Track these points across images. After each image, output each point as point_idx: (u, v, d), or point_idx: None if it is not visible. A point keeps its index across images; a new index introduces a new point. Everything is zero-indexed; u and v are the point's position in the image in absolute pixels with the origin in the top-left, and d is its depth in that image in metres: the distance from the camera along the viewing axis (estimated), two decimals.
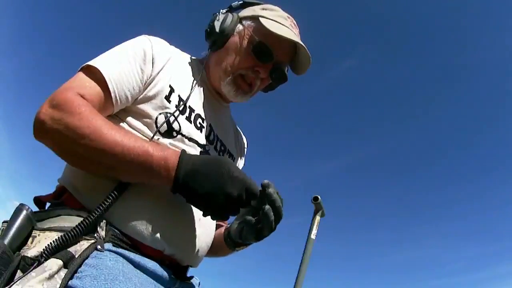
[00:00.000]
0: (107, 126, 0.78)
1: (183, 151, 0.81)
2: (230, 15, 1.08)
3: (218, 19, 1.07)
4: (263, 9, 1.09)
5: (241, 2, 1.13)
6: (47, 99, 0.81)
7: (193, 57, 1.16)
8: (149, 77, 0.94)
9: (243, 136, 1.32)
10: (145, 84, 0.94)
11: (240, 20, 1.08)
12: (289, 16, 1.09)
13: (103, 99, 0.87)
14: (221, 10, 1.10)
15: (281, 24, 1.03)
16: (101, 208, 0.76)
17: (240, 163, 1.30)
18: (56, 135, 0.77)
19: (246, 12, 1.10)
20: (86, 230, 0.73)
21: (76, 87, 0.84)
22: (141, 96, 0.93)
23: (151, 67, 0.95)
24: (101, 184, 0.81)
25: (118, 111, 0.93)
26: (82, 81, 0.86)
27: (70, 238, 0.70)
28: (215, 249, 1.08)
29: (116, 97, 0.88)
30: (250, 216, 0.89)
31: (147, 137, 0.89)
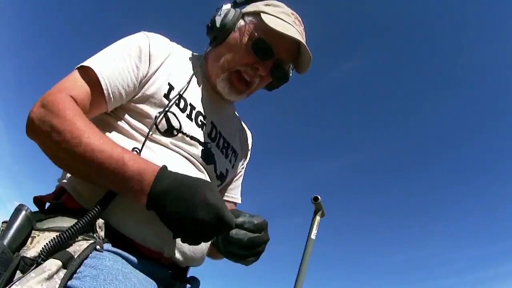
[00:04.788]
0: (88, 133, 0.76)
1: (163, 167, 0.76)
2: (232, 10, 1.06)
3: (220, 14, 1.05)
4: (266, 5, 1.06)
5: None
6: (39, 99, 0.82)
7: (194, 53, 1.14)
8: (146, 75, 0.94)
9: (248, 132, 1.30)
10: (141, 82, 0.93)
11: (243, 15, 1.07)
12: (293, 12, 1.07)
13: (95, 98, 0.87)
14: (224, 5, 1.08)
15: (283, 20, 1.01)
16: (98, 208, 0.75)
17: (245, 160, 1.29)
18: (42, 136, 0.79)
19: (249, 7, 1.08)
20: (82, 230, 0.73)
21: (68, 87, 0.85)
22: (139, 94, 0.93)
23: (147, 65, 0.94)
24: (95, 184, 0.81)
25: (116, 109, 0.93)
26: (75, 81, 0.86)
27: (65, 238, 0.70)
28: (214, 252, 1.07)
29: (109, 94, 0.88)
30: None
31: (145, 135, 0.89)
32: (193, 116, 0.99)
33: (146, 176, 0.74)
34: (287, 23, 1.01)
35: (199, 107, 1.02)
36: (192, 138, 0.97)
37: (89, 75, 0.87)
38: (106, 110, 0.91)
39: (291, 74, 1.13)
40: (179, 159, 0.93)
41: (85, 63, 0.88)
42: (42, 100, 0.81)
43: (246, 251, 0.80)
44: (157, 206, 0.73)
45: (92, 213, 0.74)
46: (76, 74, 0.88)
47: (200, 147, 0.99)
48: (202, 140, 0.99)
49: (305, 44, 1.00)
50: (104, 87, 0.87)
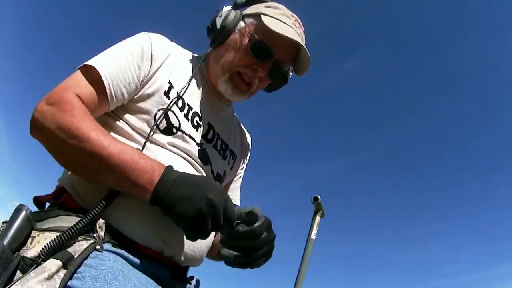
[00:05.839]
0: (96, 130, 0.78)
1: (169, 165, 0.79)
2: (233, 11, 1.06)
3: (221, 16, 1.06)
4: (266, 6, 1.07)
5: None
6: (44, 97, 0.82)
7: (194, 54, 1.15)
8: (147, 75, 0.94)
9: (247, 134, 1.31)
10: (142, 81, 0.94)
11: (243, 17, 1.07)
12: (293, 14, 1.07)
13: (98, 97, 0.87)
14: (225, 7, 1.09)
15: (283, 22, 1.01)
16: (98, 208, 0.75)
17: (244, 161, 1.29)
18: (48, 133, 0.78)
19: (250, 9, 1.09)
20: (83, 230, 0.73)
21: (72, 86, 0.85)
22: (140, 94, 0.93)
23: (149, 65, 0.95)
24: (97, 182, 0.81)
25: (117, 109, 0.93)
26: (78, 80, 0.87)
27: (66, 238, 0.70)
28: (215, 252, 1.07)
29: (111, 93, 0.88)
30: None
31: (145, 136, 0.89)
32: (189, 117, 1.00)
33: (157, 170, 0.76)
34: (287, 25, 1.01)
35: (196, 108, 1.02)
36: (190, 137, 0.97)
37: (92, 74, 0.88)
38: (108, 109, 0.92)
39: (290, 76, 1.13)
40: (178, 158, 0.94)
41: (88, 62, 0.89)
42: (48, 98, 0.82)
43: (247, 257, 0.81)
44: (164, 198, 0.74)
45: (93, 213, 0.75)
46: (79, 73, 0.89)
47: (196, 148, 0.99)
48: (197, 140, 1.00)
49: (304, 46, 1.01)
50: (106, 86, 0.87)
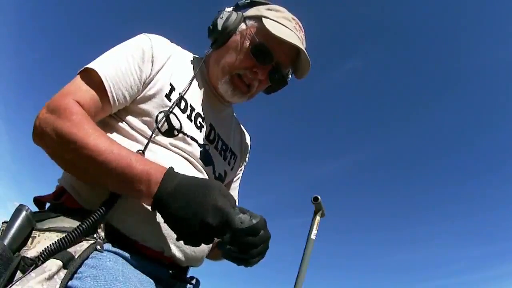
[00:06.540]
0: (94, 135, 0.77)
1: (170, 168, 0.77)
2: (234, 13, 1.07)
3: (222, 17, 1.06)
4: (268, 9, 1.07)
5: (248, 1, 1.11)
6: (45, 104, 0.83)
7: (195, 56, 1.15)
8: (148, 76, 0.94)
9: (247, 135, 1.31)
10: (144, 83, 0.94)
11: (244, 19, 1.07)
12: (294, 17, 1.07)
13: (100, 101, 0.87)
14: (226, 8, 1.09)
15: (284, 26, 1.02)
16: (101, 210, 0.75)
17: (243, 162, 1.29)
18: (48, 140, 0.79)
19: (251, 11, 1.09)
20: (86, 232, 0.73)
21: (73, 91, 0.85)
22: (141, 95, 0.93)
23: (150, 66, 0.95)
24: (99, 186, 0.81)
25: (119, 110, 0.93)
26: (79, 85, 0.87)
27: (69, 241, 0.70)
28: (215, 253, 1.07)
29: (113, 97, 0.88)
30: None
31: (147, 137, 0.89)
32: (192, 118, 1.00)
33: (153, 177, 0.75)
34: (287, 28, 1.02)
35: (198, 109, 1.03)
36: (192, 138, 0.97)
37: (93, 78, 0.87)
38: (111, 112, 0.92)
39: (289, 78, 1.13)
40: (180, 160, 0.94)
41: (89, 66, 0.88)
42: (48, 105, 0.82)
43: (244, 254, 0.79)
44: (164, 207, 0.73)
45: (96, 216, 0.74)
46: (79, 78, 0.88)
47: (199, 149, 0.99)
48: (200, 141, 1.00)
49: (304, 50, 1.01)
50: (108, 89, 0.87)
